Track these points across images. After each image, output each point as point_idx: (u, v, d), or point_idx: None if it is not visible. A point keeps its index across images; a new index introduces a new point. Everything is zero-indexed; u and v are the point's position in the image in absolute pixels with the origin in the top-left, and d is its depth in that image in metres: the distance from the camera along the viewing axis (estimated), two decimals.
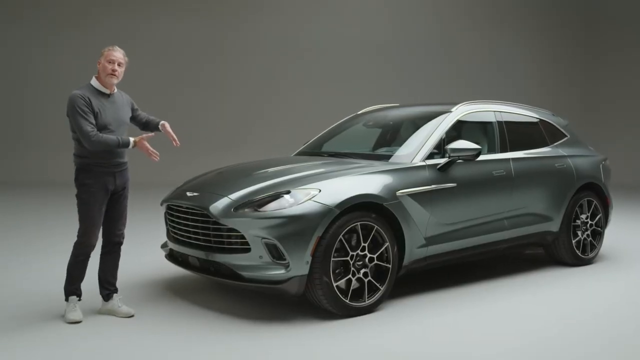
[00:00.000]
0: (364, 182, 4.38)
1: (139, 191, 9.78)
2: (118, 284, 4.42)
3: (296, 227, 4.01)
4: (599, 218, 5.94)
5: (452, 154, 4.76)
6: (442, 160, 4.81)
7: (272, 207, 4.10)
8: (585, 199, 5.83)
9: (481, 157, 5.02)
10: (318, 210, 4.07)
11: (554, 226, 5.57)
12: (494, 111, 5.57)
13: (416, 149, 4.86)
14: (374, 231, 4.28)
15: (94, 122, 4.01)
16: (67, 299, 4.20)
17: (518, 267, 5.68)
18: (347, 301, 4.17)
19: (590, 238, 5.85)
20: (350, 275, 4.19)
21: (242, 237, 4.11)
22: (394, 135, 5.75)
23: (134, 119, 4.42)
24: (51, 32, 14.01)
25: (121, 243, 4.37)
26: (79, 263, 4.18)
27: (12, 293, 4.84)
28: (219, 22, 14.18)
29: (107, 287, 4.33)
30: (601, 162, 6.18)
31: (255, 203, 4.16)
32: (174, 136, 4.39)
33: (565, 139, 6.10)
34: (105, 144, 4.01)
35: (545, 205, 5.51)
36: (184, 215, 4.52)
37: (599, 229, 5.95)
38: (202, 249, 4.36)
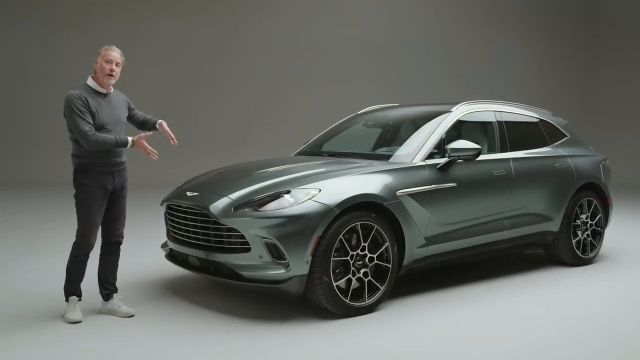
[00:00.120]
0: (364, 181, 4.38)
1: (139, 191, 9.78)
2: (118, 284, 4.42)
3: (296, 226, 4.01)
4: (599, 218, 5.94)
5: (452, 154, 4.76)
6: (442, 160, 4.81)
7: (272, 207, 4.10)
8: (585, 198, 5.83)
9: (481, 157, 5.02)
10: (318, 210, 4.07)
11: (554, 226, 5.57)
12: (494, 111, 5.57)
13: (416, 148, 4.86)
14: (374, 231, 4.28)
15: (91, 122, 4.00)
16: (67, 300, 4.20)
17: (518, 267, 5.68)
18: (347, 301, 4.17)
19: (590, 238, 5.85)
20: (350, 275, 4.19)
21: (242, 236, 4.11)
22: (394, 135, 5.75)
23: (131, 118, 4.41)
24: (51, 32, 14.01)
25: (120, 243, 4.37)
26: (78, 263, 4.18)
27: (12, 293, 4.84)
28: (219, 22, 14.18)
29: (107, 287, 4.33)
30: (601, 162, 6.18)
31: (255, 203, 4.16)
32: (172, 135, 4.39)
33: (565, 138, 6.10)
34: (103, 143, 4.00)
35: (545, 205, 5.51)
36: (184, 215, 4.52)
37: (599, 229, 5.95)
38: (202, 249, 4.36)
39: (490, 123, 5.50)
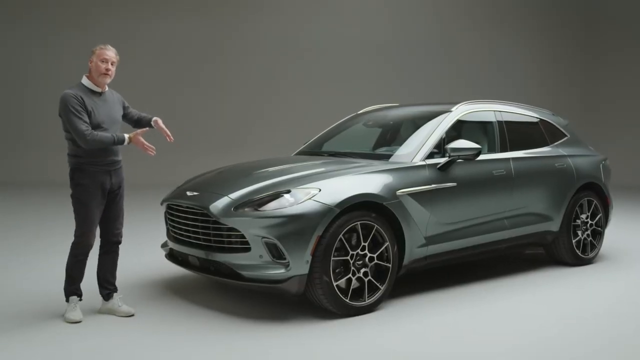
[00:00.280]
0: (364, 181, 4.38)
1: (139, 191, 9.79)
2: (118, 284, 4.42)
3: (296, 226, 4.01)
4: (599, 218, 5.94)
5: (452, 154, 4.76)
6: (442, 160, 4.81)
7: (272, 207, 4.10)
8: (586, 198, 5.83)
9: (481, 157, 5.02)
10: (318, 209, 4.07)
11: (554, 226, 5.57)
12: (494, 111, 5.57)
13: (416, 148, 4.86)
14: (374, 230, 4.28)
15: (88, 121, 3.99)
16: (67, 300, 4.20)
17: (518, 267, 5.68)
18: (347, 300, 4.17)
19: (590, 238, 5.85)
20: (350, 275, 4.19)
21: (242, 236, 4.11)
22: (394, 134, 5.75)
23: (125, 116, 4.41)
24: (51, 32, 14.01)
25: (120, 242, 4.36)
26: (78, 263, 4.17)
27: (12, 293, 4.84)
28: (219, 22, 14.17)
29: (107, 286, 4.33)
30: (601, 162, 6.18)
31: (255, 202, 4.16)
32: (168, 132, 4.38)
33: (565, 138, 6.10)
34: (100, 142, 4.00)
35: (546, 205, 5.51)
36: (184, 215, 4.52)
37: (599, 228, 5.95)
38: (202, 249, 4.36)
39: (490, 123, 5.51)
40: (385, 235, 4.32)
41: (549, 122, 6.09)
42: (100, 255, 4.35)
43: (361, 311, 4.23)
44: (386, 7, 14.54)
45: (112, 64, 4.12)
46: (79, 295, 4.23)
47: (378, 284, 4.31)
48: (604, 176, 6.08)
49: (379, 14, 14.47)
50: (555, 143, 5.97)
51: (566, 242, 5.63)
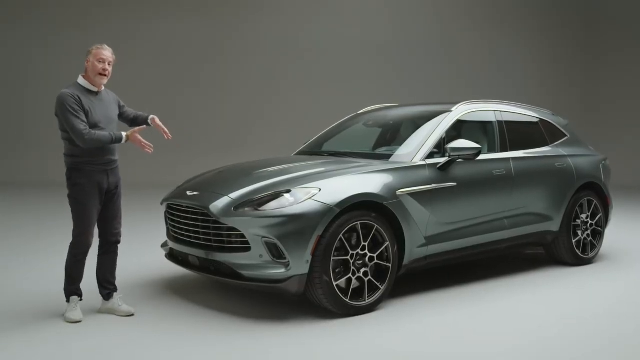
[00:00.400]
0: (364, 181, 4.38)
1: (139, 191, 9.79)
2: (118, 283, 4.42)
3: (296, 226, 4.01)
4: (599, 218, 5.94)
5: (452, 154, 4.76)
6: (442, 160, 4.81)
7: (272, 206, 4.10)
8: (586, 198, 5.83)
9: (481, 157, 5.02)
10: (318, 209, 4.07)
11: (554, 226, 5.57)
12: (494, 111, 5.57)
13: (416, 148, 4.86)
14: (374, 230, 4.28)
15: (85, 120, 3.99)
16: (68, 300, 4.20)
17: (518, 267, 5.68)
18: (347, 300, 4.17)
19: (590, 238, 5.85)
20: (350, 275, 4.19)
21: (242, 236, 4.11)
22: (394, 134, 5.75)
23: (121, 116, 4.41)
24: (51, 32, 14.00)
25: (119, 242, 4.37)
26: (77, 263, 4.17)
27: (12, 293, 4.83)
28: (219, 22, 14.17)
29: (107, 286, 4.33)
30: (601, 162, 6.18)
31: (255, 202, 4.16)
32: (165, 129, 4.39)
33: (565, 138, 6.10)
34: (99, 141, 4.00)
35: (546, 205, 5.51)
36: (184, 215, 4.52)
37: (599, 228, 5.95)
38: (202, 248, 4.36)
39: (490, 123, 5.51)
40: (385, 235, 4.32)
41: (549, 122, 6.09)
42: (99, 255, 4.35)
43: (361, 311, 4.23)
44: (386, 7, 14.54)
45: (109, 64, 4.12)
46: (80, 295, 4.22)
47: (378, 284, 4.31)
48: (604, 176, 6.08)
49: (379, 14, 14.47)
50: (555, 143, 5.97)
51: (566, 242, 5.63)
